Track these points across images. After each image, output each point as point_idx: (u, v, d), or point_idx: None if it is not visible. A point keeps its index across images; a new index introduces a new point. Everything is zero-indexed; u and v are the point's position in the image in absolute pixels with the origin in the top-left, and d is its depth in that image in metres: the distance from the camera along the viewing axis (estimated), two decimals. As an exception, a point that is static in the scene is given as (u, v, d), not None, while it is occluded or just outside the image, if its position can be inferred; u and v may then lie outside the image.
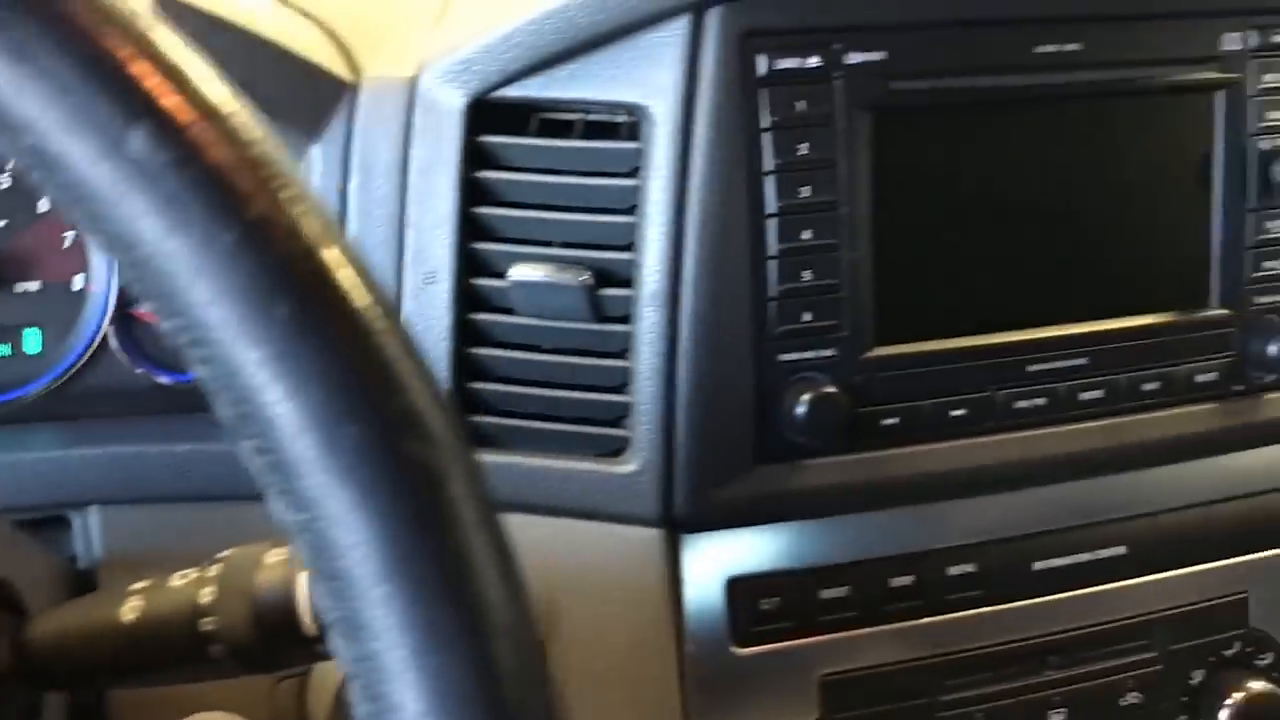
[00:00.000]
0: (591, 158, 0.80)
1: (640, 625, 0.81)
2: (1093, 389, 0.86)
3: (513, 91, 0.79)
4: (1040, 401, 0.85)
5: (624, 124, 0.80)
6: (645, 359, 0.78)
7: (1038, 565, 0.88)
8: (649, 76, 0.77)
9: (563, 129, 0.81)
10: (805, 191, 0.78)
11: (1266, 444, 0.93)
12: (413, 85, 0.81)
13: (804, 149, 0.78)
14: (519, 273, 0.80)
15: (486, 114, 0.80)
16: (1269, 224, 0.89)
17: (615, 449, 0.81)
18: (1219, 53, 0.86)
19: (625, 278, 0.79)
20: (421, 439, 0.32)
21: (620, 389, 0.80)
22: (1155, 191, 0.86)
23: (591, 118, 0.81)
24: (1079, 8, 0.82)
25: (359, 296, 0.32)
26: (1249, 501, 0.94)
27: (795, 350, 0.80)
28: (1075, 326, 0.85)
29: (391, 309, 0.33)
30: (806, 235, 0.78)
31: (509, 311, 0.82)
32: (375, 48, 0.85)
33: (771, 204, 0.78)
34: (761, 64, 0.76)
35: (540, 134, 0.81)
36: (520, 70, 0.78)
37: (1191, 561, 0.92)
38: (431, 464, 0.32)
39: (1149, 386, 0.88)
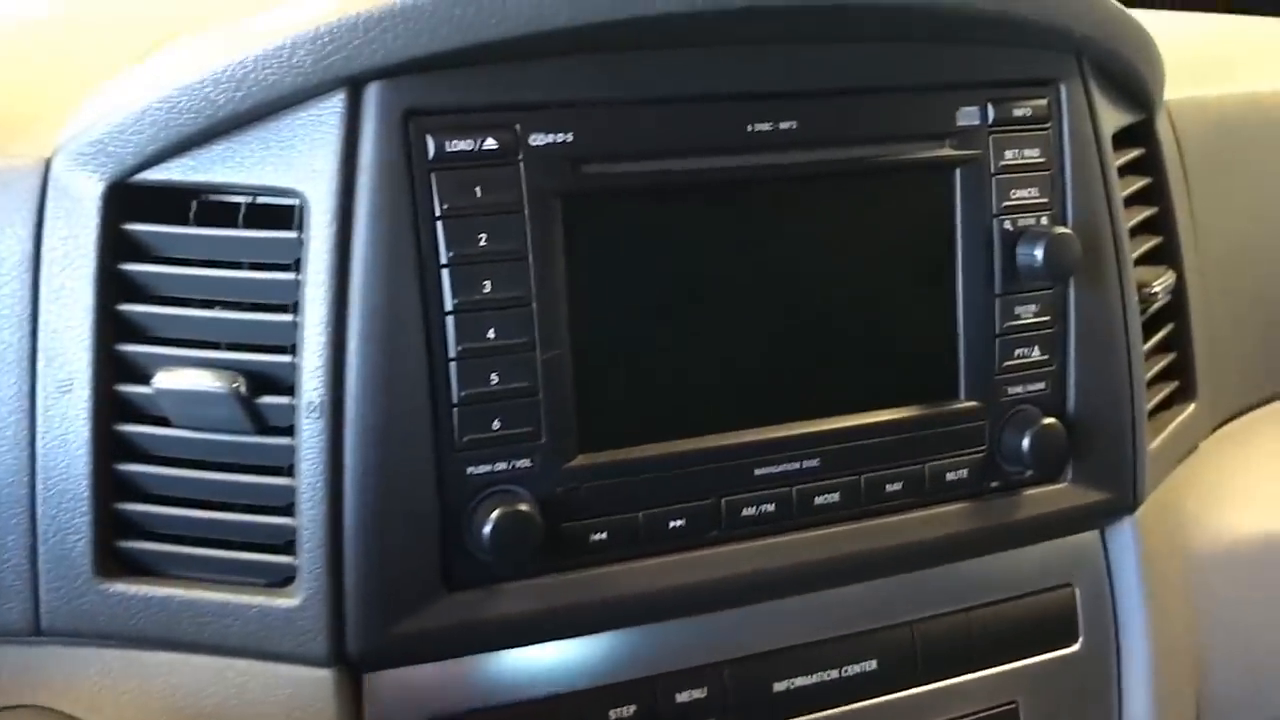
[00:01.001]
0: (248, 248, 0.70)
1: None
2: (828, 492, 0.79)
3: (155, 175, 0.70)
4: (769, 508, 0.78)
5: (294, 210, 0.70)
6: (307, 476, 0.69)
7: (778, 686, 0.81)
8: (304, 159, 0.68)
9: (230, 215, 0.72)
10: (487, 286, 0.70)
11: (1025, 543, 0.87)
12: (45, 169, 0.71)
13: (484, 240, 0.69)
14: (165, 379, 0.70)
15: (132, 200, 0.71)
16: (1017, 309, 0.83)
17: (286, 578, 0.71)
18: (955, 128, 0.80)
19: (289, 384, 0.70)
20: None
21: (287, 510, 0.70)
22: (893, 277, 0.80)
23: (262, 201, 0.72)
24: (793, 82, 0.75)
25: None
26: (1011, 604, 0.87)
27: (486, 462, 0.71)
28: (806, 425, 0.78)
29: None
30: (491, 334, 0.70)
31: (165, 422, 0.71)
32: (12, 129, 0.74)
33: (449, 300, 0.69)
34: (430, 145, 0.68)
35: (202, 221, 0.72)
36: (159, 152, 0.69)
37: (952, 673, 0.85)
38: None
39: (892, 487, 0.81)
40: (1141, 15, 0.89)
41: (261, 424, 0.71)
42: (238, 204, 0.72)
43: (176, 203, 0.72)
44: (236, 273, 0.71)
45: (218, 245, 0.71)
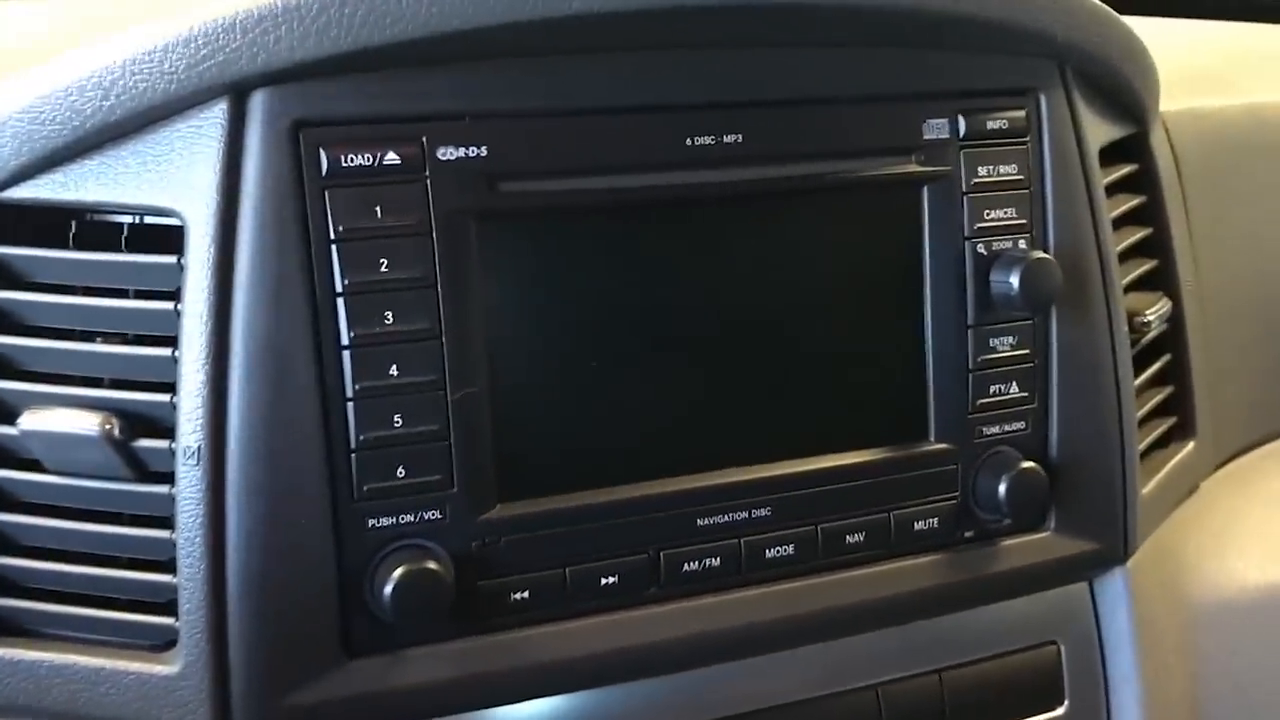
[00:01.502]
0: (127, 274, 0.63)
1: None
2: (780, 544, 0.71)
3: (22, 193, 0.63)
4: (714, 562, 0.70)
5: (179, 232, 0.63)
6: (185, 529, 0.61)
7: (725, 760, 0.73)
8: (183, 175, 0.61)
9: (114, 236, 0.65)
10: (389, 317, 0.62)
11: (1003, 598, 0.79)
12: (-99, 186, 0.64)
13: (386, 265, 0.62)
14: (32, 419, 0.63)
15: (2, 220, 0.64)
16: (993, 341, 0.75)
17: (169, 642, 0.64)
18: (922, 142, 0.72)
19: (169, 426, 0.62)
20: None
21: (169, 566, 0.63)
22: (853, 307, 0.72)
23: (150, 222, 0.64)
24: (737, 91, 0.68)
25: None
26: (989, 665, 0.79)
27: (389, 514, 0.64)
28: (756, 470, 0.71)
29: None
30: (394, 371, 0.63)
31: (40, 466, 0.64)
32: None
33: (345, 333, 0.62)
34: (324, 160, 0.61)
35: (85, 244, 0.65)
36: (24, 168, 0.62)
37: (921, 741, 0.77)
38: None
39: (854, 538, 0.73)
40: (1134, 23, 0.81)
41: (141, 470, 0.64)
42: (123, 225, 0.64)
43: (57, 224, 0.65)
44: (115, 302, 0.64)
45: (94, 271, 0.64)
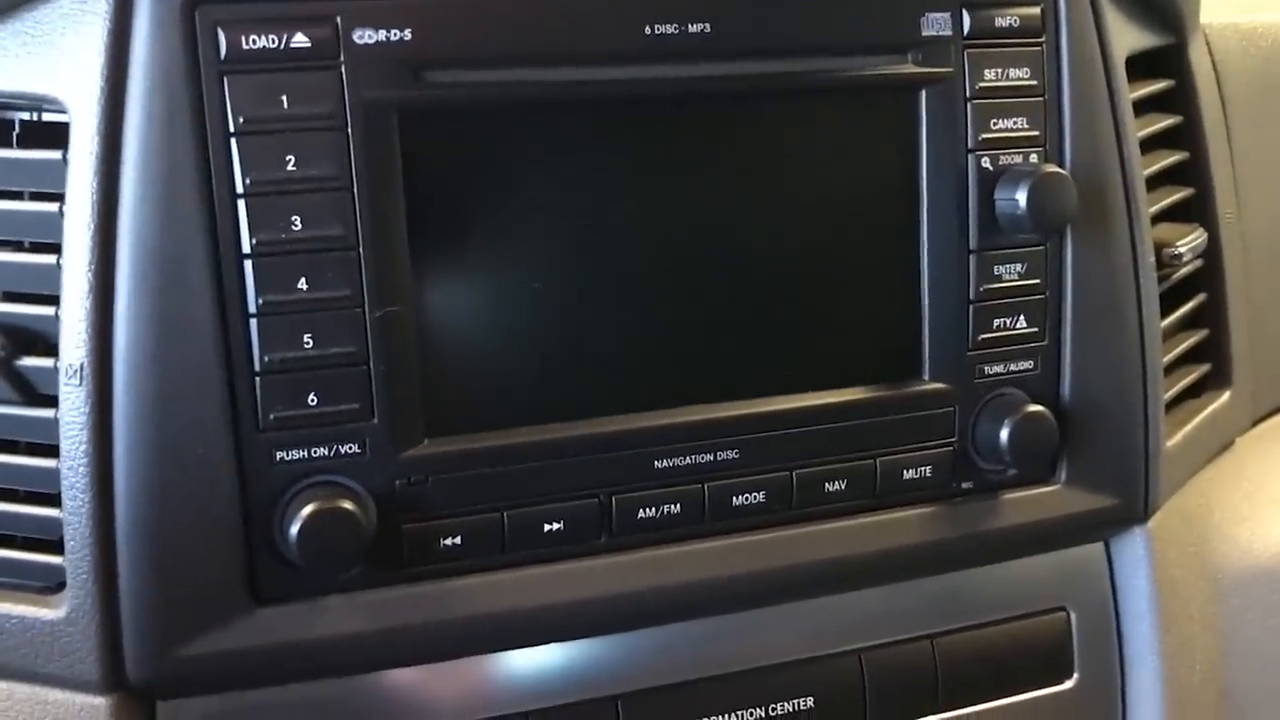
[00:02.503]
0: (14, 173, 0.57)
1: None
2: (749, 491, 0.64)
3: (-110, 79, 0.56)
4: (673, 509, 0.63)
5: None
6: (69, 457, 0.55)
7: (684, 730, 0.66)
8: (67, 60, 0.54)
9: (4, 131, 0.58)
10: (297, 222, 0.55)
11: (1004, 558, 0.71)
12: None
13: (293, 163, 0.55)
14: (-95, 334, 0.56)
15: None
16: (998, 269, 0.67)
17: (60, 583, 0.57)
18: (919, 39, 0.64)
19: (56, 343, 0.56)
20: None
21: (57, 499, 0.57)
22: (839, 225, 0.64)
23: (48, 118, 0.58)
24: (703, -29, 0.59)
25: None
26: (989, 631, 0.72)
27: (299, 446, 0.57)
28: (721, 408, 0.63)
29: None
30: (302, 284, 0.55)
31: (-79, 386, 0.58)
32: None
33: (246, 240, 0.54)
34: (222, 41, 0.53)
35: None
36: (-110, 49, 0.55)
37: (910, 715, 0.70)
38: None
39: (833, 486, 0.65)
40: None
41: (29, 392, 0.57)
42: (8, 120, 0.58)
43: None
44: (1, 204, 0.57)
45: (-22, 169, 0.57)
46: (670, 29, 0.59)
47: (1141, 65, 0.75)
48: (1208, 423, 0.80)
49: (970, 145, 0.65)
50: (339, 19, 0.55)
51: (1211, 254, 0.80)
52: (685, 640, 0.66)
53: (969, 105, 0.65)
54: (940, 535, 0.68)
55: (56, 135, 0.56)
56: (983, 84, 0.65)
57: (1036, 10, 0.66)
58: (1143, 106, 0.75)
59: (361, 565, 0.58)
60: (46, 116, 0.58)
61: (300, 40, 0.54)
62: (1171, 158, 0.78)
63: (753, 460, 0.63)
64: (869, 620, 0.69)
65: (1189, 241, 0.76)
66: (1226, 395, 0.83)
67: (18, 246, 0.58)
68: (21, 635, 0.57)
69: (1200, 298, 0.81)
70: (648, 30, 0.59)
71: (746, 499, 0.64)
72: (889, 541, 0.67)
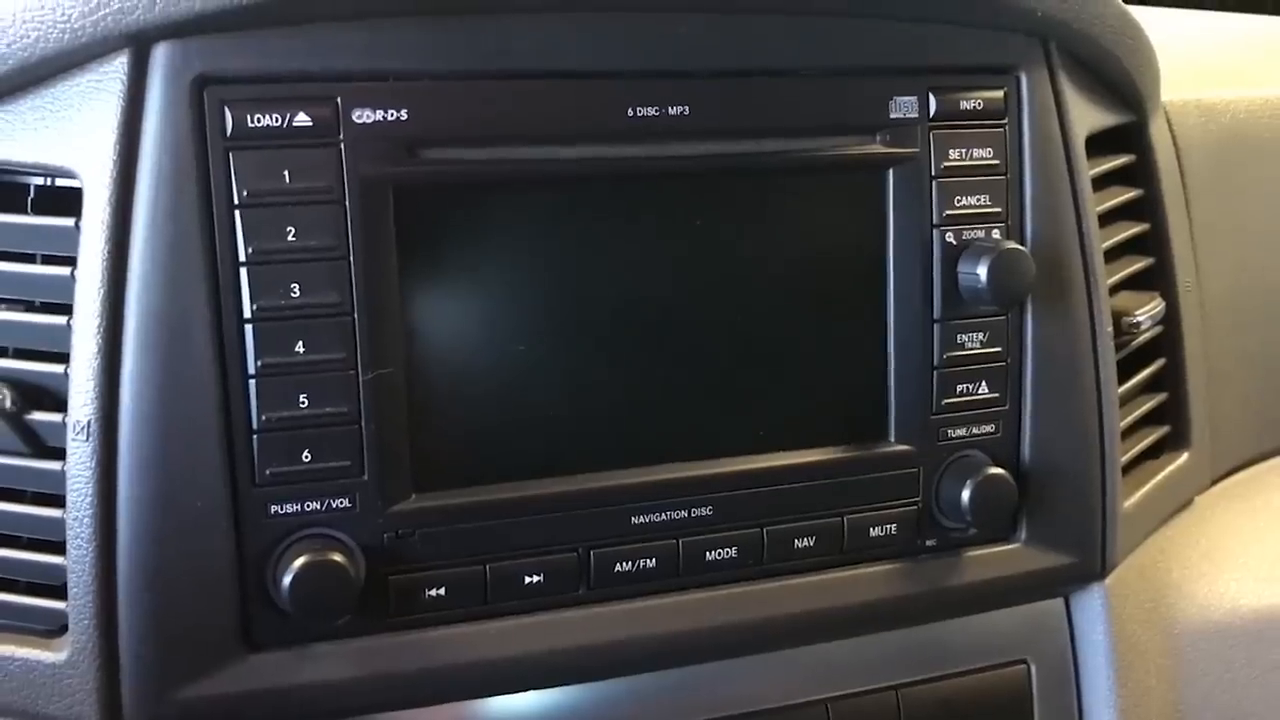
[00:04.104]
0: (29, 237, 0.60)
1: None
2: (722, 546, 0.67)
3: (-86, 147, 0.59)
4: (649, 563, 0.66)
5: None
6: (75, 508, 0.58)
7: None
8: (82, 132, 0.57)
9: (19, 196, 0.61)
10: (296, 289, 0.58)
11: (965, 613, 0.74)
12: None
13: (293, 234, 0.58)
14: (-80, 388, 0.59)
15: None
16: (961, 337, 0.70)
17: (62, 627, 0.60)
18: (888, 121, 0.67)
19: (64, 398, 0.59)
20: None
21: (61, 547, 0.59)
22: (810, 295, 0.68)
23: (61, 184, 0.61)
24: (685, 60, 0.63)
25: None
26: (951, 683, 0.75)
27: (293, 500, 0.60)
28: (696, 467, 0.66)
29: None
30: (300, 348, 0.59)
31: (-66, 436, 0.61)
32: None
33: (248, 305, 0.58)
34: (228, 119, 0.57)
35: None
36: (-85, 121, 0.58)
37: (873, 761, 0.72)
38: None
39: (803, 543, 0.68)
40: (1139, 12, 0.76)
41: (37, 445, 0.60)
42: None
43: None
44: (14, 266, 0.60)
45: (-5, 232, 0.60)
46: (651, 111, 0.63)
47: (1104, 140, 0.79)
48: (1166, 483, 0.83)
49: (935, 221, 0.68)
50: (339, 99, 0.58)
51: (1171, 321, 0.84)
52: (659, 689, 0.68)
53: (934, 183, 0.68)
54: (905, 590, 0.71)
55: (67, 202, 0.60)
56: (947, 163, 0.68)
57: (1000, 94, 0.69)
58: (1105, 180, 0.79)
59: (350, 614, 0.61)
60: (59, 183, 0.61)
61: (302, 119, 0.58)
62: (1132, 229, 0.82)
63: (726, 517, 0.66)
64: (836, 671, 0.72)
65: (1148, 310, 0.79)
66: (1185, 456, 0.86)
67: (29, 306, 0.61)
68: (24, 677, 0.60)
69: (1159, 363, 0.84)
70: (630, 112, 0.62)
71: (719, 554, 0.67)
72: (856, 596, 0.70)
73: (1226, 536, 0.87)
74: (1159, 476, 0.83)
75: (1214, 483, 0.91)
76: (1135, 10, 0.75)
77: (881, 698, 0.73)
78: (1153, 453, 0.85)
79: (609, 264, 0.63)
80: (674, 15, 0.63)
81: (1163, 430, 0.85)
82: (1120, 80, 0.77)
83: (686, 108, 0.63)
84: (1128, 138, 0.82)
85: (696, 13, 0.63)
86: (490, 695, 0.65)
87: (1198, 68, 0.94)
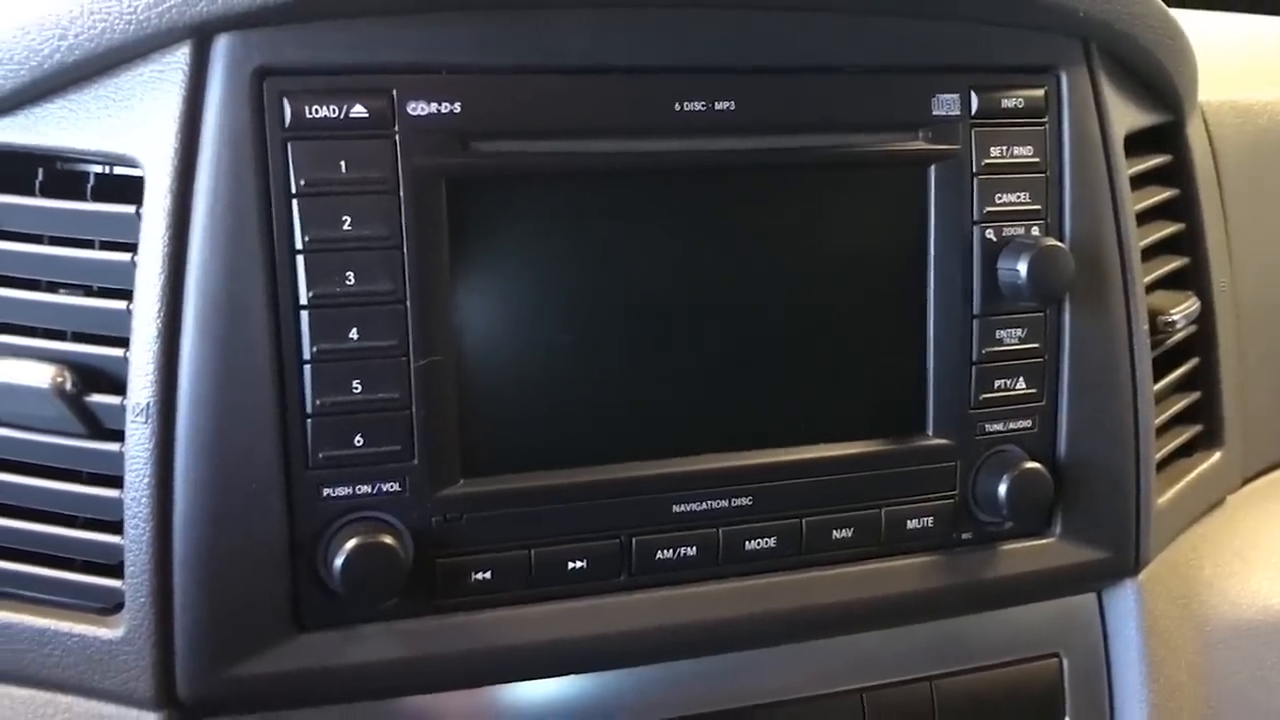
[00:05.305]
0: (90, 224, 0.61)
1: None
2: (761, 536, 0.68)
3: (-19, 136, 0.61)
4: (689, 551, 0.67)
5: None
6: (132, 489, 0.59)
7: (695, 761, 0.69)
8: (143, 121, 0.59)
9: (79, 183, 0.63)
10: (350, 277, 0.60)
11: (1000, 606, 0.75)
12: None
13: (349, 223, 0.59)
14: (-18, 370, 0.61)
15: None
16: (999, 333, 0.71)
17: (117, 605, 0.62)
18: (930, 118, 0.68)
19: (123, 382, 0.60)
20: None
21: (118, 526, 0.61)
22: (851, 289, 0.69)
23: (119, 172, 0.62)
24: (732, 56, 0.64)
25: None
26: (985, 674, 0.75)
27: (344, 484, 0.61)
28: (737, 457, 0.67)
29: None
30: (354, 334, 0.60)
31: (-5, 418, 0.63)
32: None
33: (304, 293, 0.59)
34: (287, 110, 0.58)
35: (55, 192, 0.62)
36: (-15, 108, 0.59)
37: (907, 751, 0.73)
38: None
39: (841, 534, 0.69)
40: (1180, 14, 0.76)
41: (95, 426, 0.61)
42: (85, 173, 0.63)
43: (27, 171, 0.63)
44: (73, 252, 0.61)
45: (58, 219, 0.62)
46: (698, 106, 0.64)
47: (1141, 140, 0.79)
48: (1199, 481, 0.84)
49: (976, 217, 0.69)
50: (395, 91, 0.59)
51: (1205, 320, 0.84)
52: (696, 675, 0.69)
53: (975, 180, 0.69)
54: (940, 582, 0.71)
55: (125, 189, 0.61)
56: (988, 160, 0.69)
57: (1040, 92, 0.70)
58: (1141, 180, 0.79)
59: (398, 596, 0.62)
60: (116, 171, 0.62)
61: (359, 111, 0.59)
62: (1168, 229, 0.82)
63: (765, 507, 0.67)
64: (871, 661, 0.73)
65: (1183, 309, 0.80)
66: (1218, 455, 0.86)
67: (87, 290, 0.63)
68: (80, 653, 0.61)
69: (1193, 362, 0.85)
70: (677, 107, 0.63)
71: (759, 544, 0.68)
72: (892, 587, 0.70)
73: (1259, 535, 0.87)
74: (1192, 474, 0.84)
75: (1246, 482, 0.91)
76: (1177, 12, 0.76)
77: (915, 688, 0.73)
78: (1185, 451, 0.86)
79: (654, 256, 0.65)
80: (720, 12, 0.64)
81: (1196, 429, 0.86)
82: (1159, 80, 0.78)
83: (732, 103, 0.64)
84: (1165, 138, 0.83)
85: (743, 10, 0.64)
86: (532, 678, 0.66)
87: (1234, 69, 0.94)
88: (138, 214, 0.59)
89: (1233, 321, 0.87)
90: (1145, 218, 0.80)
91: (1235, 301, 0.87)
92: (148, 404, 0.58)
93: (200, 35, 0.57)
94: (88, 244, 0.62)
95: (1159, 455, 0.79)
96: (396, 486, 0.62)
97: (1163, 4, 0.75)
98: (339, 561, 0.59)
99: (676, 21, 0.63)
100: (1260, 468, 0.93)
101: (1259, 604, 0.84)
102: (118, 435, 0.61)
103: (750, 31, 0.64)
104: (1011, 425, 0.72)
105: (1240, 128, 0.89)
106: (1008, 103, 0.69)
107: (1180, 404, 0.84)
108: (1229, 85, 0.91)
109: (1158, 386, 0.78)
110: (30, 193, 0.62)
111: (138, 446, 0.59)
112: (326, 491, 0.61)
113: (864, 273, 0.69)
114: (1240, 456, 0.89)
